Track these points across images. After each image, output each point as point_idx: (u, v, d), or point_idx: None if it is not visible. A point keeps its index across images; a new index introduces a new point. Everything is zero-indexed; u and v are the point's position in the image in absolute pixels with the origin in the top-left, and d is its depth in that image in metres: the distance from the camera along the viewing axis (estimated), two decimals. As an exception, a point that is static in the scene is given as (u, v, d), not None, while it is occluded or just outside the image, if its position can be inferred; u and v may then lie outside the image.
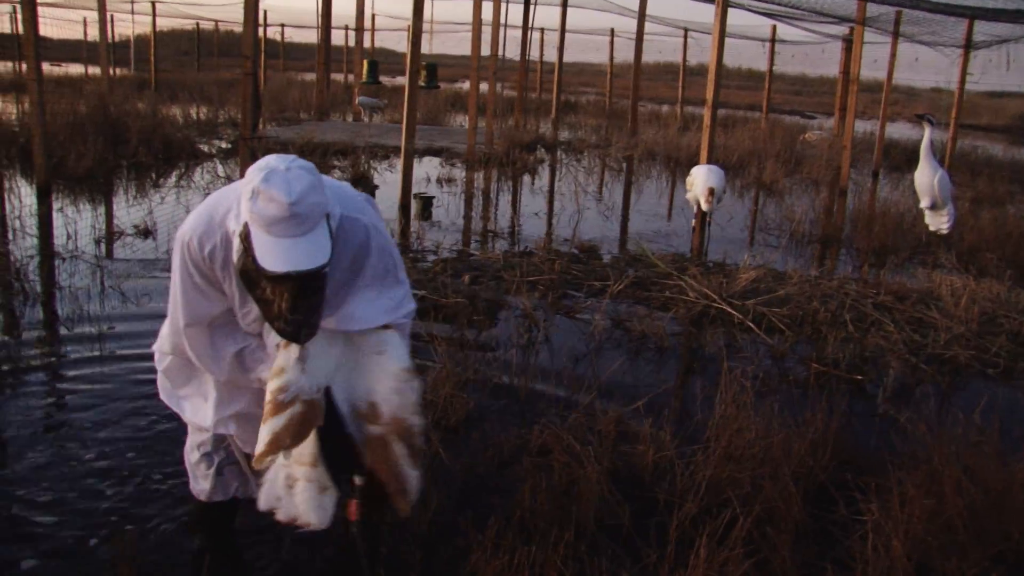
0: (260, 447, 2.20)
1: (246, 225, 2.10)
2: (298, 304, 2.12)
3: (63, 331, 5.12)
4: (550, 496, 3.27)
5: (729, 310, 6.04)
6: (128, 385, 4.40)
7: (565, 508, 3.23)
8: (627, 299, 6.35)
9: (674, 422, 4.03)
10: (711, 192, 8.27)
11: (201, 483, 2.71)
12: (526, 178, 12.98)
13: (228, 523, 2.88)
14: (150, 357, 2.75)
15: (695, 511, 3.27)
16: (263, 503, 2.34)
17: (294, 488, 2.29)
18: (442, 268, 6.68)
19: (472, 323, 5.60)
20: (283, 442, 2.17)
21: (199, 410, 2.58)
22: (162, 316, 2.53)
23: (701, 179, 8.40)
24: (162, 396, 2.66)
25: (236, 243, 2.19)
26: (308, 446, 2.27)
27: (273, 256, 2.05)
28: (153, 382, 2.72)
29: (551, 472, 3.46)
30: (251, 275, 2.16)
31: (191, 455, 2.71)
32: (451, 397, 4.13)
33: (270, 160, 2.15)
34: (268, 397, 2.23)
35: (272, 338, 2.36)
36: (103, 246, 7.22)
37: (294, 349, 2.26)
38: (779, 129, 18.15)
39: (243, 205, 2.11)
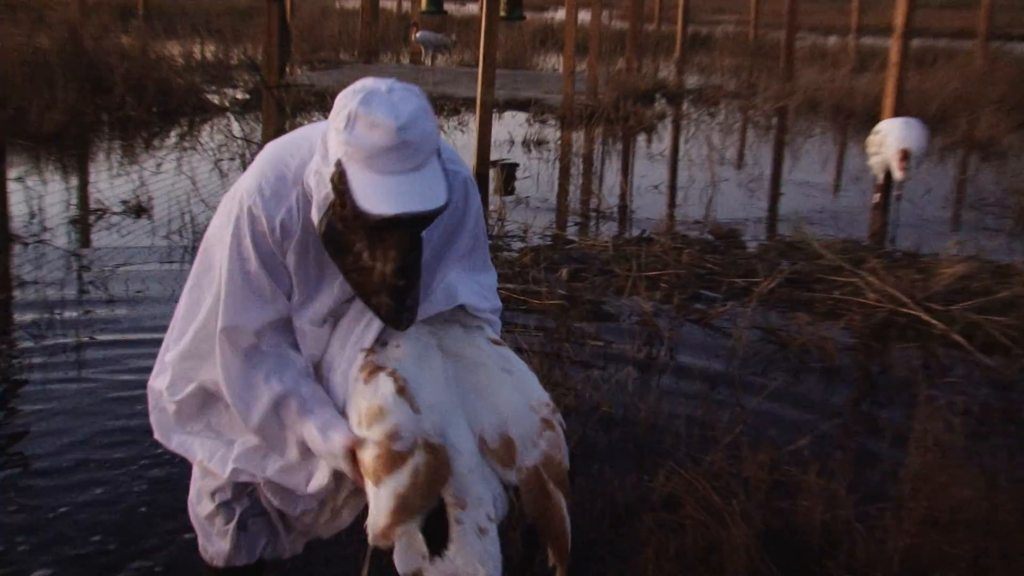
0: (383, 518, 2.16)
1: (338, 165, 2.14)
2: (407, 264, 2.17)
3: (26, 341, 5.28)
4: (681, 565, 3.24)
5: (926, 318, 5.91)
6: (114, 409, 4.52)
7: (702, 583, 3.20)
8: (781, 302, 6.28)
9: (851, 470, 3.95)
10: (905, 155, 8.11)
11: (216, 543, 2.70)
12: (641, 139, 12.93)
13: None
14: (142, 371, 2.75)
15: (884, 593, 3.21)
16: (403, 567, 2.27)
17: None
18: (532, 259, 6.69)
19: (573, 332, 5.60)
20: (412, 505, 2.14)
21: (214, 453, 2.58)
22: (163, 320, 2.55)
23: (894, 136, 8.24)
24: (158, 435, 2.65)
25: (319, 195, 2.22)
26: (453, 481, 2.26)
27: (379, 196, 2.09)
28: (144, 403, 2.74)
29: (682, 533, 3.43)
30: (340, 237, 2.19)
31: (200, 506, 2.69)
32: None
33: (365, 82, 2.21)
34: (375, 450, 2.19)
35: (343, 362, 2.37)
36: (80, 228, 7.46)
37: (386, 383, 2.23)
38: (1003, 64, 17.60)
39: (333, 141, 2.16)
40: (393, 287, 2.19)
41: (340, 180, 2.13)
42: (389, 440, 2.16)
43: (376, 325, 2.36)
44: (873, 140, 8.61)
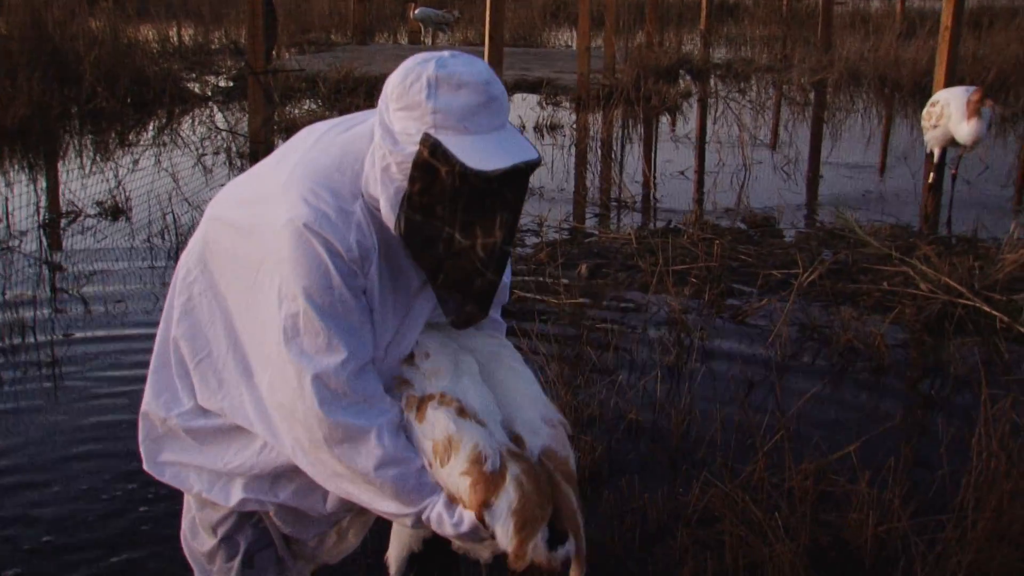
0: (510, 541, 2.18)
1: (427, 139, 2.18)
2: (516, 224, 2.27)
3: None
4: (720, 587, 3.25)
5: (987, 309, 5.90)
6: (89, 423, 4.55)
7: (743, 606, 3.21)
8: (823, 295, 6.28)
9: (905, 479, 3.94)
10: (983, 98, 7.95)
11: None
12: (665, 121, 12.91)
13: None
14: (118, 385, 2.72)
15: (945, 613, 3.21)
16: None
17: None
18: (549, 255, 6.70)
19: (595, 334, 5.61)
20: (533, 516, 2.18)
21: (214, 483, 2.54)
22: (143, 329, 2.55)
23: (957, 102, 8.15)
24: (148, 466, 2.59)
25: (389, 192, 2.24)
26: None
27: (487, 154, 2.17)
28: (131, 428, 2.73)
29: (721, 550, 3.44)
30: (425, 228, 2.22)
31: (197, 541, 2.67)
32: (571, 441, 4.12)
33: (422, 55, 2.26)
34: (467, 482, 2.21)
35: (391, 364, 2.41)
36: (51, 233, 7.50)
37: (441, 412, 2.26)
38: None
39: (407, 120, 2.20)
40: (503, 255, 2.27)
41: (434, 153, 2.17)
42: (478, 465, 2.18)
43: (421, 320, 2.41)
44: (931, 112, 8.53)
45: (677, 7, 23.53)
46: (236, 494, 2.48)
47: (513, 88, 14.45)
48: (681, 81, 15.76)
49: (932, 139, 8.59)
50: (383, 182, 2.24)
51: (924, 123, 8.69)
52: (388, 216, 2.24)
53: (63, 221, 7.75)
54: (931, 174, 8.88)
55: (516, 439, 2.31)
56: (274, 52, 14.89)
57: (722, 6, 24.84)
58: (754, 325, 5.84)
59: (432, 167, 2.17)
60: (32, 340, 5.46)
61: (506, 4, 12.36)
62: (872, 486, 3.75)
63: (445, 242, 2.24)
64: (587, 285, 6.24)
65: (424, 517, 2.26)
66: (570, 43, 20.17)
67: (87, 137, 11.05)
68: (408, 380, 2.34)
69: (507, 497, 2.17)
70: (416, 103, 2.18)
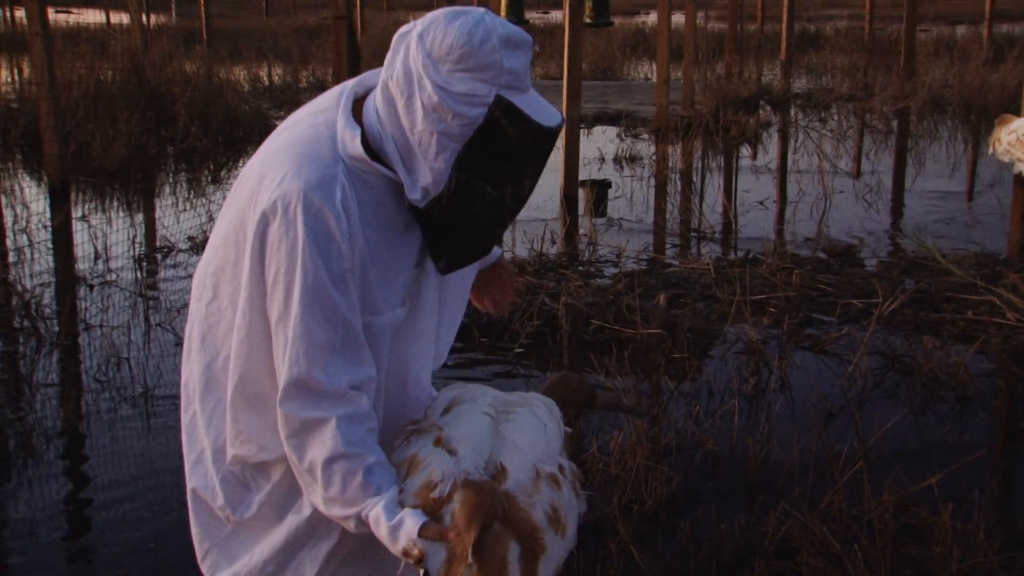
0: (439, 569, 2.14)
1: (501, 100, 2.14)
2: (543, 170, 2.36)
3: (92, 387, 5.43)
4: (798, 619, 3.21)
5: (1072, 338, 5.79)
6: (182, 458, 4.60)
7: (822, 638, 3.17)
8: (904, 324, 6.19)
9: (990, 511, 3.88)
10: None
11: None
12: (745, 151, 12.85)
13: None
14: None
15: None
16: None
17: None
18: (627, 285, 6.69)
19: (673, 363, 5.60)
20: (457, 548, 2.15)
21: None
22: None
23: None
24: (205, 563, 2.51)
25: (446, 155, 2.18)
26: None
27: (541, 111, 2.22)
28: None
29: (799, 583, 3.40)
30: (468, 187, 2.22)
31: None
32: (646, 470, 4.14)
33: (462, 13, 2.23)
34: (415, 503, 2.22)
35: (419, 358, 2.48)
36: (146, 267, 7.66)
37: (421, 438, 2.30)
38: None
39: (473, 83, 2.14)
40: (522, 201, 2.32)
41: (508, 114, 2.15)
42: (427, 490, 2.19)
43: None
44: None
45: (757, 37, 23.46)
46: None
47: (593, 121, 14.52)
48: (761, 111, 15.68)
49: None
50: (438, 144, 2.17)
51: (1016, 151, 8.47)
52: (439, 179, 2.20)
53: (157, 256, 7.92)
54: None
55: (501, 470, 2.29)
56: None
57: (803, 35, 24.72)
58: (833, 355, 5.77)
59: (501, 128, 2.15)
60: (127, 370, 5.58)
61: (584, 37, 12.41)
62: (956, 519, 3.69)
63: (479, 197, 2.23)
64: (665, 315, 6.23)
65: (363, 515, 2.17)
66: (649, 75, 20.21)
67: (181, 175, 11.29)
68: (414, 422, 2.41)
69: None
70: (490, 63, 2.13)
